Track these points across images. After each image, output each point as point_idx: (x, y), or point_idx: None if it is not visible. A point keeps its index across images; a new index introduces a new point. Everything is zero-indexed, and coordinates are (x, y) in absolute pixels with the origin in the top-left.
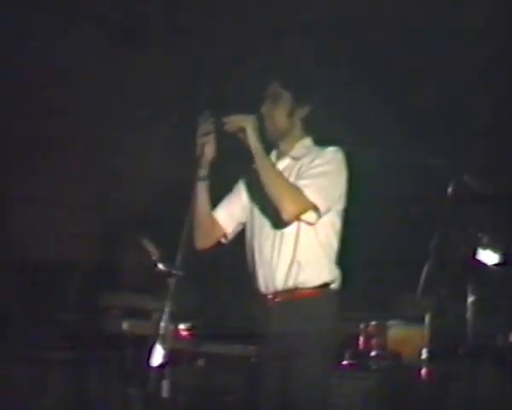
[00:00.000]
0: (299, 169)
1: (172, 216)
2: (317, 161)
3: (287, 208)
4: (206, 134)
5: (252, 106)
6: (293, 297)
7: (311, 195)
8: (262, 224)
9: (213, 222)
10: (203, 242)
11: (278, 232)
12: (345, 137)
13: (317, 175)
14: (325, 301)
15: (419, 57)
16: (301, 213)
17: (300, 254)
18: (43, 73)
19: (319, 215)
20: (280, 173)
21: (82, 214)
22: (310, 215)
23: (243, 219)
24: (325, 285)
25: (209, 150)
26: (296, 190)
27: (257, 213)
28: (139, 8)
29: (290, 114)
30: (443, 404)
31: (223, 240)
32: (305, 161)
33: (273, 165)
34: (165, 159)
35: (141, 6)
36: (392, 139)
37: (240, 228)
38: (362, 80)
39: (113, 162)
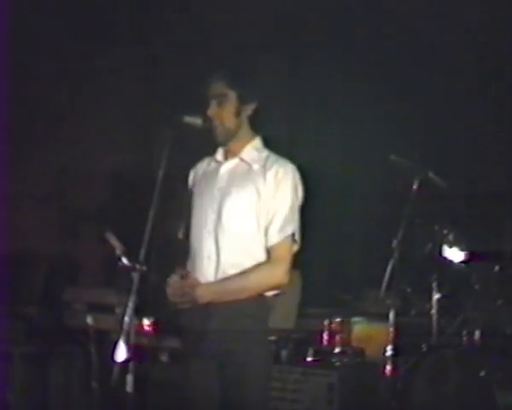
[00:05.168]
0: (254, 178)
1: (136, 210)
2: (272, 186)
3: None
4: None
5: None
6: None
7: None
8: (206, 218)
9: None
10: None
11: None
12: (305, 136)
13: (285, 208)
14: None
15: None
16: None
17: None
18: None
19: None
20: (238, 279)
21: (45, 208)
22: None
23: None
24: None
25: None
26: (260, 276)
27: (202, 207)
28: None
29: (237, 114)
30: (406, 401)
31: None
32: (257, 167)
33: (232, 284)
34: (128, 153)
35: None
36: (356, 138)
37: None
38: (317, 76)
39: (78, 157)
